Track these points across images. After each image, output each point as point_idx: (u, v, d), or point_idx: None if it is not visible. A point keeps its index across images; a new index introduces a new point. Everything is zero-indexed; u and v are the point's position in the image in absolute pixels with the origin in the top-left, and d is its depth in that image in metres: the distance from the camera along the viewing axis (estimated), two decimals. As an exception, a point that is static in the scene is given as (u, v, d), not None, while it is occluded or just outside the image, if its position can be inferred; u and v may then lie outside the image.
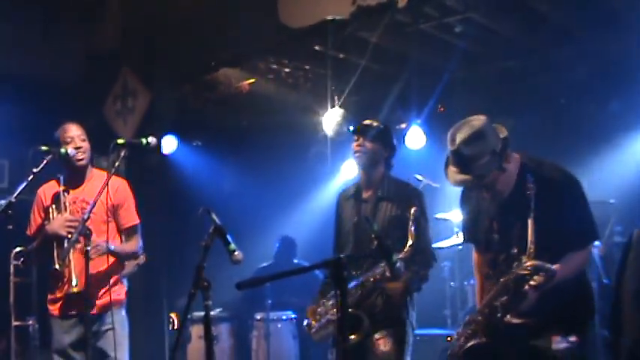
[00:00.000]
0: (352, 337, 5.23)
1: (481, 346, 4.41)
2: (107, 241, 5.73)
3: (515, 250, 4.43)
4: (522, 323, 4.35)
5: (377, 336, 5.43)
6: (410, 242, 5.19)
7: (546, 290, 4.23)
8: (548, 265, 4.15)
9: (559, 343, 4.29)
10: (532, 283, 4.19)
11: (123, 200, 6.02)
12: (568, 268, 4.31)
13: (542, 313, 4.27)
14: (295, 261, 10.24)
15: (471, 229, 4.92)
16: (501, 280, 4.36)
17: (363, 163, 5.69)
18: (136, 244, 6.13)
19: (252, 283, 4.25)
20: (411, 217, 5.23)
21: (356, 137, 5.69)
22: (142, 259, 8.63)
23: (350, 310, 5.28)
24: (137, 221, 6.16)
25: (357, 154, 5.66)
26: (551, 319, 4.30)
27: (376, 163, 5.68)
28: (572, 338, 4.29)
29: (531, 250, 4.20)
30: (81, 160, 5.90)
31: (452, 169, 4.57)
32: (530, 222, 4.24)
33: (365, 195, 5.75)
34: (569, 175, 4.49)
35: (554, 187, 4.39)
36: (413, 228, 5.20)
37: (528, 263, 4.19)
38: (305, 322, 5.82)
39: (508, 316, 4.36)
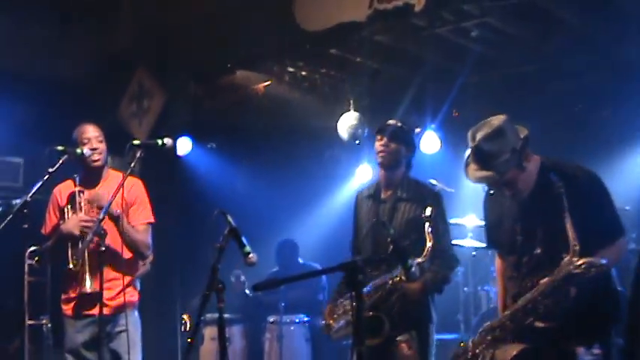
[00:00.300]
0: (374, 340, 5.23)
1: (527, 351, 4.34)
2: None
3: (539, 251, 4.41)
4: (547, 327, 4.30)
5: (399, 339, 5.41)
6: (428, 244, 5.17)
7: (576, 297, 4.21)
8: (600, 261, 4.11)
9: (584, 356, 4.26)
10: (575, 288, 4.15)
11: (135, 198, 5.99)
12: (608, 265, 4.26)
13: (568, 318, 4.24)
14: (300, 261, 10.21)
15: (493, 234, 4.91)
16: (545, 281, 4.28)
17: (386, 164, 5.68)
18: (145, 238, 6.01)
19: (269, 285, 4.26)
20: (427, 219, 5.23)
21: (379, 137, 5.69)
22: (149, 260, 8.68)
23: (371, 312, 5.29)
24: (149, 220, 6.10)
25: (381, 154, 5.66)
26: (576, 324, 4.26)
27: (398, 163, 5.68)
28: (597, 350, 4.26)
29: (576, 248, 4.14)
30: (96, 161, 5.91)
31: (472, 166, 4.60)
32: (567, 218, 4.18)
33: (384, 195, 5.74)
34: (591, 173, 4.49)
35: (578, 184, 4.37)
36: (430, 230, 5.18)
37: (581, 261, 4.12)
38: (322, 322, 5.79)
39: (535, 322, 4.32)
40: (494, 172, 4.46)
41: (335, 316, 5.64)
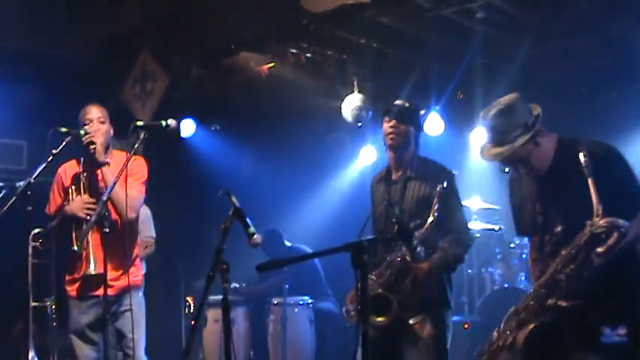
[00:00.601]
0: (380, 319, 5.22)
1: (545, 326, 4.29)
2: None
3: (559, 229, 4.38)
4: (571, 306, 4.27)
5: (412, 321, 5.37)
6: (430, 219, 5.16)
7: (599, 268, 4.16)
8: (622, 221, 4.03)
9: (608, 337, 4.21)
10: (599, 250, 4.07)
11: (132, 172, 5.87)
12: (631, 233, 4.19)
13: (592, 296, 4.21)
14: (288, 244, 10.18)
15: (519, 219, 4.88)
16: (566, 251, 4.24)
17: (396, 145, 5.62)
18: (127, 199, 5.70)
19: (272, 266, 4.25)
20: (436, 194, 5.20)
21: (387, 119, 5.64)
22: (151, 244, 8.68)
23: (379, 291, 5.28)
24: (139, 190, 5.98)
25: (390, 136, 5.60)
26: (601, 303, 4.21)
27: (407, 143, 5.62)
28: (622, 330, 4.21)
29: (599, 211, 4.08)
30: (90, 143, 5.85)
31: (486, 145, 4.60)
32: (590, 183, 4.14)
33: (395, 176, 5.69)
34: (610, 145, 4.46)
35: (600, 157, 4.34)
36: (436, 206, 5.17)
37: (602, 221, 4.06)
38: (344, 309, 5.77)
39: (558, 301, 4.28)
40: (507, 147, 4.46)
41: (353, 303, 5.61)
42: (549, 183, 4.50)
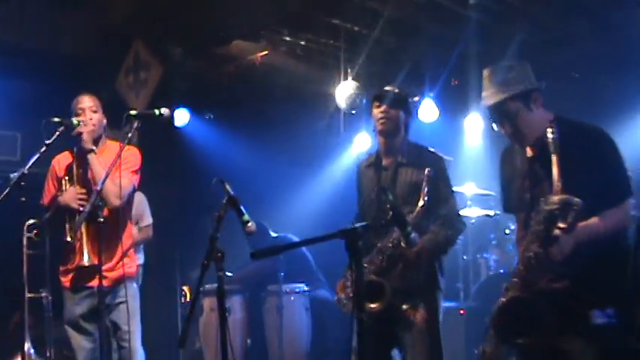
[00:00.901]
0: (373, 305, 5.22)
1: (521, 298, 4.28)
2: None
3: (558, 212, 4.38)
4: (558, 289, 4.27)
5: (405, 307, 5.39)
6: (420, 203, 5.17)
7: (583, 253, 4.14)
8: (577, 199, 4.01)
9: (597, 318, 4.21)
10: (561, 225, 4.07)
11: (123, 161, 5.77)
12: (604, 223, 4.22)
13: (577, 281, 4.20)
14: (274, 234, 10.17)
15: (506, 195, 4.88)
16: (532, 228, 4.25)
17: (386, 130, 5.60)
18: (115, 187, 5.68)
19: (267, 253, 4.25)
20: (425, 177, 5.21)
21: (377, 104, 5.63)
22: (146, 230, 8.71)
23: (372, 277, 5.28)
24: (130, 179, 5.93)
25: (381, 121, 5.59)
26: (587, 288, 4.21)
27: (398, 129, 5.62)
28: (610, 312, 4.21)
29: (558, 188, 4.09)
30: (82, 133, 5.83)
31: (484, 94, 4.60)
32: (554, 159, 4.15)
33: (385, 162, 5.68)
34: (603, 131, 4.43)
35: (589, 139, 4.34)
36: (425, 189, 5.17)
37: (556, 198, 4.07)
38: (336, 298, 5.77)
39: (544, 281, 4.28)
40: (500, 95, 4.48)
41: (348, 290, 5.61)
42: (540, 160, 4.49)
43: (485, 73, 4.63)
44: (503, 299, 4.34)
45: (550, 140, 4.21)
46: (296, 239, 9.79)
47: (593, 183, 4.12)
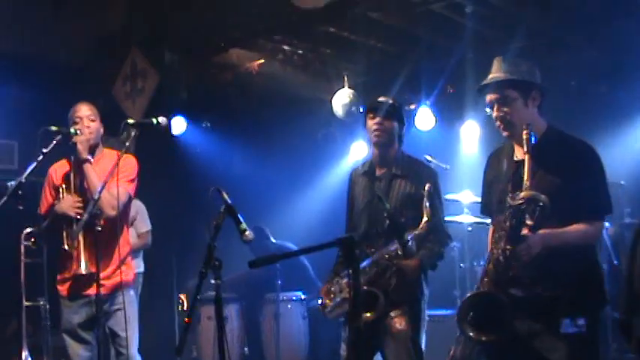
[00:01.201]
0: (368, 314, 5.23)
1: (485, 294, 4.31)
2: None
3: (524, 207, 4.41)
4: (526, 297, 4.30)
5: (392, 314, 5.38)
6: (425, 219, 5.16)
7: (554, 264, 4.18)
8: (544, 197, 4.06)
9: (567, 327, 4.24)
10: (528, 222, 4.12)
11: (120, 170, 5.68)
12: (574, 233, 4.26)
13: (549, 290, 4.24)
14: (273, 241, 10.18)
15: (486, 198, 4.90)
16: (501, 227, 4.29)
17: (381, 142, 5.61)
18: (111, 198, 5.65)
19: (265, 262, 4.26)
20: (426, 193, 5.21)
21: (371, 115, 5.64)
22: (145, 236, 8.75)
23: (365, 287, 5.29)
24: (126, 189, 5.88)
25: (375, 133, 5.59)
26: (559, 297, 4.23)
27: (392, 140, 5.62)
28: (581, 321, 4.25)
29: (527, 186, 4.13)
30: (79, 142, 5.83)
31: (489, 76, 4.64)
32: (527, 159, 4.21)
33: (379, 172, 5.68)
34: (591, 147, 4.46)
35: (575, 152, 4.39)
36: (428, 204, 5.17)
37: (522, 194, 4.11)
38: (319, 302, 5.77)
39: (512, 290, 4.29)
40: (506, 76, 4.53)
41: (332, 295, 5.62)
42: (525, 165, 4.52)
43: (497, 58, 4.66)
44: (468, 294, 4.40)
45: (524, 140, 4.26)
46: (294, 247, 9.80)
47: (572, 194, 4.16)
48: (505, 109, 4.53)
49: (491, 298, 4.27)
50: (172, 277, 10.19)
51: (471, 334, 4.31)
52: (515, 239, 4.17)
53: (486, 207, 4.92)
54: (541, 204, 4.07)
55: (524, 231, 4.15)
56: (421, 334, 5.51)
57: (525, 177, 4.17)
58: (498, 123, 4.59)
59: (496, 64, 4.64)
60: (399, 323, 5.38)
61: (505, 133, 4.60)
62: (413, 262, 5.31)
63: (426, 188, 5.23)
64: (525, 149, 4.24)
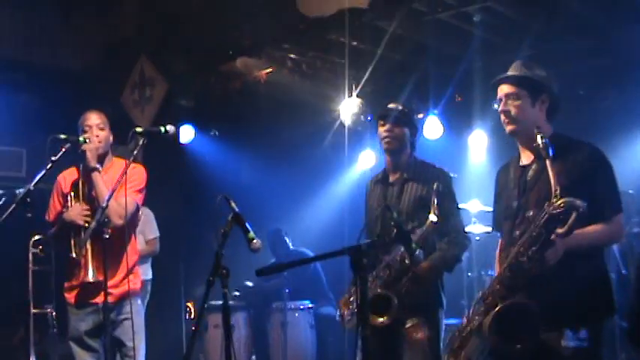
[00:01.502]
0: (381, 319, 5.22)
1: (510, 308, 4.24)
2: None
3: (531, 213, 4.36)
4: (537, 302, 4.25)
5: (409, 324, 5.40)
6: (431, 217, 5.15)
7: (562, 273, 4.15)
8: (580, 201, 4.01)
9: (569, 341, 4.21)
10: (559, 231, 4.04)
11: (128, 179, 5.72)
12: (594, 234, 4.26)
13: (555, 297, 4.21)
14: (291, 247, 10.23)
15: (497, 209, 4.89)
16: (528, 233, 4.23)
17: (392, 148, 5.65)
18: (118, 207, 5.69)
19: (272, 270, 4.26)
20: (434, 192, 5.20)
21: (382, 122, 5.67)
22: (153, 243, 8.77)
23: (379, 291, 5.28)
24: (134, 198, 5.88)
25: (386, 140, 5.64)
26: (565, 306, 4.21)
27: (403, 146, 5.66)
28: (583, 334, 4.21)
29: (557, 192, 4.08)
30: (87, 150, 5.84)
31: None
32: (548, 163, 4.17)
33: (392, 179, 5.72)
34: (598, 149, 4.47)
35: (582, 154, 4.39)
36: (436, 202, 5.16)
37: (560, 201, 4.04)
38: (337, 314, 5.77)
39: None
40: (520, 72, 4.59)
41: (350, 305, 5.61)
42: (530, 169, 4.52)
43: (517, 61, 4.73)
44: (501, 305, 4.29)
45: (541, 145, 4.23)
46: (310, 254, 9.81)
47: (584, 196, 4.11)
48: (512, 104, 4.56)
49: (520, 307, 4.23)
50: (180, 284, 10.19)
51: (502, 344, 4.28)
52: (546, 244, 4.13)
53: (497, 221, 4.91)
54: (581, 210, 4.01)
55: (553, 236, 4.10)
56: (439, 343, 5.49)
57: (553, 182, 4.11)
58: (503, 117, 4.62)
59: (514, 65, 4.68)
60: (416, 332, 5.37)
61: (508, 128, 4.61)
62: (425, 264, 5.29)
63: (435, 187, 5.23)
64: (544, 154, 4.21)
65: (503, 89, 4.61)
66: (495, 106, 4.69)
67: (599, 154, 4.46)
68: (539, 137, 4.25)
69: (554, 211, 4.08)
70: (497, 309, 4.28)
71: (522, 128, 4.53)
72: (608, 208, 4.37)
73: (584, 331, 4.20)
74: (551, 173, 4.14)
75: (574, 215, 4.02)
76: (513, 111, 4.55)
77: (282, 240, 10.23)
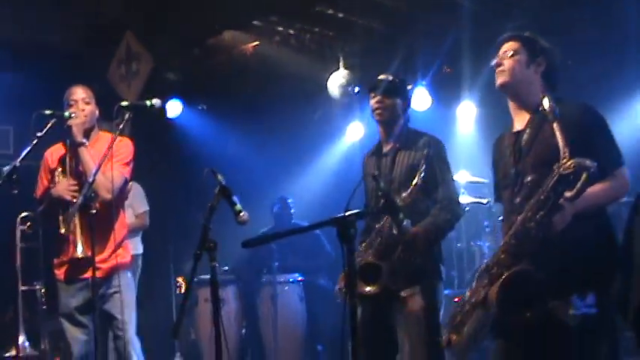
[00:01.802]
0: (369, 288, 5.20)
1: (517, 276, 4.12)
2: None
3: (529, 178, 4.31)
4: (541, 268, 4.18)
5: (404, 294, 5.34)
6: (414, 182, 5.13)
7: (567, 236, 4.06)
8: (590, 161, 3.90)
9: (576, 309, 4.13)
10: (568, 194, 3.95)
11: (115, 153, 5.76)
12: (601, 192, 4.19)
13: (561, 264, 4.14)
14: (293, 221, 10.22)
15: (496, 180, 4.84)
16: (535, 198, 4.12)
17: (383, 119, 5.60)
18: (105, 181, 5.67)
19: (259, 242, 4.24)
20: (423, 159, 5.18)
21: (372, 94, 5.62)
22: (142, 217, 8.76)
23: (370, 259, 5.26)
24: (121, 172, 5.88)
25: (377, 111, 5.59)
26: (570, 272, 4.10)
27: (395, 117, 5.60)
28: (591, 300, 4.14)
29: (566, 154, 3.98)
30: (73, 125, 5.82)
31: None
32: (556, 126, 4.07)
33: (385, 149, 5.66)
34: (590, 105, 4.44)
35: (576, 113, 4.33)
36: (422, 168, 5.13)
37: (570, 162, 3.94)
38: (336, 288, 5.75)
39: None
40: (521, 32, 4.64)
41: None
42: (525, 134, 4.50)
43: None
44: (507, 274, 4.17)
45: (548, 108, 4.15)
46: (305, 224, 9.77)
47: (583, 154, 4.05)
48: (508, 58, 4.54)
49: (526, 275, 4.11)
50: (169, 259, 10.18)
51: (508, 315, 4.22)
52: (554, 209, 4.04)
53: (498, 192, 4.85)
54: (591, 170, 3.90)
55: (561, 200, 4.01)
56: (438, 313, 5.42)
57: (561, 144, 4.00)
58: (497, 69, 4.60)
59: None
60: (411, 302, 5.34)
61: (500, 80, 4.56)
62: (415, 229, 5.24)
63: (424, 153, 5.20)
64: (551, 118, 4.12)
65: (504, 47, 4.60)
66: (493, 61, 4.67)
67: (592, 110, 4.40)
68: (545, 100, 4.17)
69: (565, 172, 3.97)
70: (502, 278, 4.17)
71: (514, 83, 4.50)
72: (610, 162, 4.27)
73: (591, 296, 4.08)
74: (559, 135, 4.03)
75: (584, 176, 3.91)
76: (508, 63, 4.52)
77: (288, 209, 10.17)
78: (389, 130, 5.66)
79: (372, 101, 5.62)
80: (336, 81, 9.71)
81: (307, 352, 9.44)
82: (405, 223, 4.97)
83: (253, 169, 10.26)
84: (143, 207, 8.86)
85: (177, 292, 10.20)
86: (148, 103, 5.70)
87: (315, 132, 10.79)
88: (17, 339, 8.04)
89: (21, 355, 8.17)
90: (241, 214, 4.63)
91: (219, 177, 4.63)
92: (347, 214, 3.72)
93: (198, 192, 4.88)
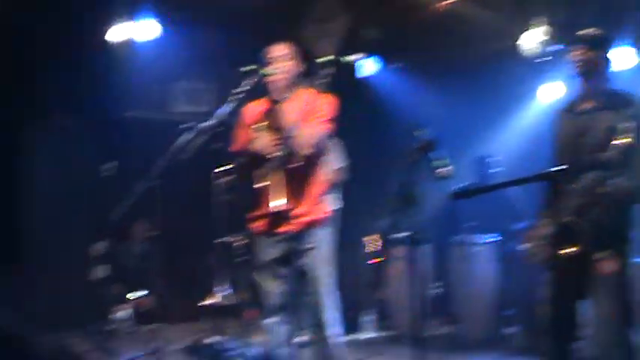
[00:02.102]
0: (570, 249, 5.10)
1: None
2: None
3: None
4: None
5: (599, 255, 5.19)
6: (618, 141, 5.00)
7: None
8: None
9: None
10: None
11: (317, 109, 5.88)
12: None
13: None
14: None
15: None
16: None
17: (584, 73, 5.44)
18: (307, 138, 5.80)
19: (468, 194, 4.21)
20: (626, 119, 5.03)
21: (575, 46, 5.48)
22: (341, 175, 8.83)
23: (569, 219, 5.16)
24: (320, 127, 5.94)
25: (578, 64, 5.45)
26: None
27: (597, 72, 5.44)
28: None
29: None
30: (273, 82, 5.93)
31: None
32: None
33: (582, 107, 5.50)
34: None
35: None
36: (627, 128, 4.99)
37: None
38: (522, 247, 5.66)
39: None
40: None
41: (537, 239, 5.47)
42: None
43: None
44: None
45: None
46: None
47: None
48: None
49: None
50: (363, 216, 10.22)
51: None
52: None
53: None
54: None
55: None
56: (628, 277, 5.26)
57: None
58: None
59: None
60: (607, 266, 5.20)
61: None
62: (624, 186, 5.10)
63: (629, 113, 5.04)
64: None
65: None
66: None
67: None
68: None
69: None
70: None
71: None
72: None
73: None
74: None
75: None
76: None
77: (486, 167, 10.03)
78: (588, 85, 5.51)
79: (574, 53, 5.48)
80: (532, 39, 9.51)
81: (498, 316, 9.32)
82: (613, 180, 4.83)
83: (447, 129, 10.17)
84: (338, 163, 8.92)
85: (370, 250, 10.25)
86: (346, 59, 5.71)
87: (511, 90, 10.64)
88: (214, 289, 8.26)
89: (218, 304, 8.40)
90: (440, 169, 4.58)
91: (420, 133, 4.60)
92: (552, 169, 3.66)
93: (394, 148, 4.87)
